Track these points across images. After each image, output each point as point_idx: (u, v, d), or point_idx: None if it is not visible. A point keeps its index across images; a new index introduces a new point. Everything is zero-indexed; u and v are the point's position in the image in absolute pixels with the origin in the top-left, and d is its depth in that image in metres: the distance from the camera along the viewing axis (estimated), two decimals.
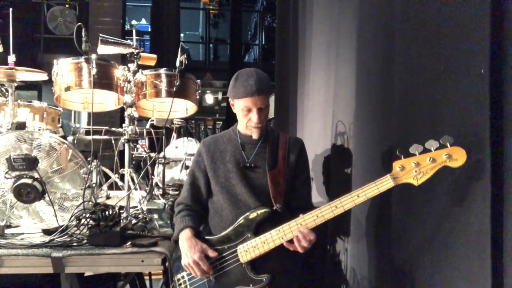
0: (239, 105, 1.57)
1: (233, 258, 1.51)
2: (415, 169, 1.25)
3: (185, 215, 1.62)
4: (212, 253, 1.52)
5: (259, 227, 1.50)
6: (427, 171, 1.24)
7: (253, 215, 1.51)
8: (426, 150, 1.23)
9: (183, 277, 1.60)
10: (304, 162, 1.69)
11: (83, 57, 2.06)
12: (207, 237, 1.58)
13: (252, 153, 1.62)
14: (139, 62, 2.30)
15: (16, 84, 2.23)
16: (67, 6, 6.78)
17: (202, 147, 1.69)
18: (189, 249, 1.50)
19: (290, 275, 1.61)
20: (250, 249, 1.48)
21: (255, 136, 1.61)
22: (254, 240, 1.48)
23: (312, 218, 1.40)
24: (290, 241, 1.43)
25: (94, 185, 2.24)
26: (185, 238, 1.54)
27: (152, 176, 2.65)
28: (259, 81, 1.52)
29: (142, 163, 2.76)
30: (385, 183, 1.30)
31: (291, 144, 1.66)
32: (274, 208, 1.52)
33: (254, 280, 1.49)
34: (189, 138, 3.06)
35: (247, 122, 1.58)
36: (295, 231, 1.41)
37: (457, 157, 1.18)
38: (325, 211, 1.38)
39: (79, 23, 2.04)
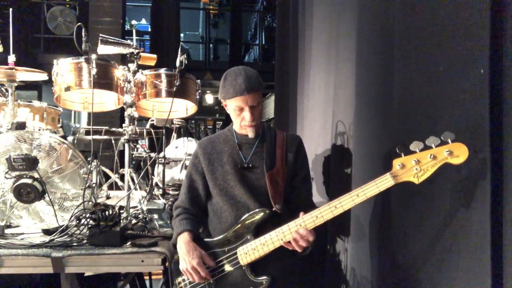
0: (231, 106, 1.55)
1: (233, 260, 1.50)
2: (415, 166, 1.22)
3: (183, 219, 1.60)
4: (209, 262, 1.51)
5: (259, 229, 1.49)
6: (428, 168, 1.21)
7: (252, 216, 1.50)
8: (427, 147, 1.20)
9: (183, 280, 1.58)
10: (303, 159, 1.66)
11: (83, 57, 2.06)
12: (206, 239, 1.57)
13: (249, 153, 1.60)
14: (139, 62, 2.30)
15: (16, 84, 2.23)
16: (67, 6, 6.78)
17: (198, 149, 1.67)
18: (187, 254, 1.49)
19: (290, 276, 1.60)
20: (249, 252, 1.47)
21: (250, 135, 1.59)
22: (253, 242, 1.47)
23: (312, 219, 1.39)
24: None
25: (94, 185, 2.24)
26: (184, 242, 1.52)
27: (152, 176, 2.65)
28: (248, 79, 1.50)
29: (142, 163, 2.76)
30: (385, 182, 1.27)
31: (289, 141, 1.64)
32: (274, 209, 1.50)
33: (254, 283, 1.48)
34: (189, 138, 3.05)
35: (241, 122, 1.57)
36: (294, 233, 1.40)
37: (459, 154, 1.15)
38: (325, 211, 1.37)
39: (79, 23, 2.04)
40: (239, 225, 1.51)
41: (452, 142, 1.15)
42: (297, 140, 1.67)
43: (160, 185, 2.49)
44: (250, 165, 1.58)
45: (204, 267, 1.48)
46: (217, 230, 1.59)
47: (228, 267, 1.51)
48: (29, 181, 1.82)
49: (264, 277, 1.48)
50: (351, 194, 1.33)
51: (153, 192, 2.48)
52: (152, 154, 2.55)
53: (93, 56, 2.03)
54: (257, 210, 1.51)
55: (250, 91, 1.49)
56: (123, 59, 2.37)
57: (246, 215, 1.51)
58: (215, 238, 1.56)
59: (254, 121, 1.55)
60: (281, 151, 1.60)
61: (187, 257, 1.48)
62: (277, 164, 1.58)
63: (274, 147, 1.61)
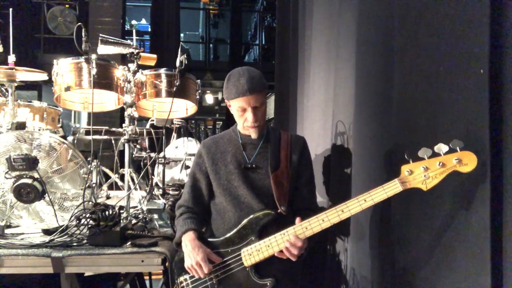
0: (234, 106, 1.55)
1: (237, 261, 1.49)
2: (424, 173, 1.21)
3: (187, 218, 1.60)
4: (215, 258, 1.51)
5: (263, 230, 1.48)
6: (436, 175, 1.20)
7: (257, 217, 1.49)
8: (435, 154, 1.19)
9: (185, 279, 1.58)
10: (307, 160, 1.65)
11: (83, 57, 2.06)
12: (210, 239, 1.57)
13: (253, 154, 1.60)
14: (139, 62, 2.30)
15: (16, 84, 2.23)
16: (67, 6, 6.78)
17: (202, 149, 1.66)
18: (192, 251, 1.49)
19: (292, 277, 1.60)
20: (254, 253, 1.46)
21: (254, 135, 1.59)
22: (258, 243, 1.46)
23: (318, 222, 1.37)
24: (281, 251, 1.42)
25: (94, 185, 2.24)
26: (189, 240, 1.53)
27: (152, 176, 2.65)
28: (251, 80, 1.49)
29: (142, 163, 2.76)
30: (393, 188, 1.26)
31: (293, 142, 1.64)
32: (279, 211, 1.49)
33: (258, 284, 1.47)
34: (189, 138, 3.05)
35: (243, 122, 1.56)
36: (301, 235, 1.40)
37: (467, 162, 1.14)
38: (331, 215, 1.35)
39: (79, 23, 2.04)
40: (243, 226, 1.50)
41: (461, 150, 1.15)
42: (302, 141, 1.67)
43: (160, 185, 2.49)
44: (254, 166, 1.57)
45: (208, 263, 1.48)
46: (220, 230, 1.58)
47: (231, 268, 1.50)
48: (29, 181, 1.82)
49: (269, 279, 1.47)
50: (358, 199, 1.31)
51: (153, 192, 2.48)
52: (152, 154, 2.55)
53: (93, 56, 2.03)
54: (262, 211, 1.50)
55: (253, 92, 1.49)
56: (123, 59, 2.37)
57: (251, 216, 1.50)
58: (219, 238, 1.55)
59: (256, 122, 1.54)
60: (285, 152, 1.60)
61: (192, 253, 1.49)
62: (282, 165, 1.57)
63: (279, 148, 1.61)
